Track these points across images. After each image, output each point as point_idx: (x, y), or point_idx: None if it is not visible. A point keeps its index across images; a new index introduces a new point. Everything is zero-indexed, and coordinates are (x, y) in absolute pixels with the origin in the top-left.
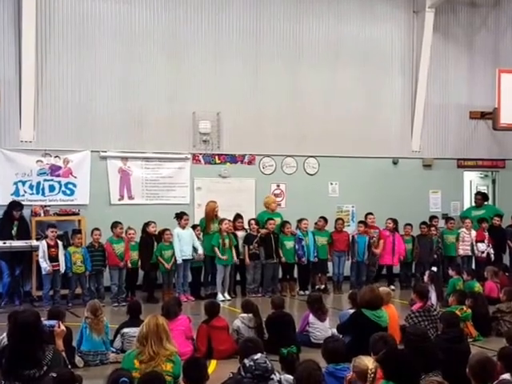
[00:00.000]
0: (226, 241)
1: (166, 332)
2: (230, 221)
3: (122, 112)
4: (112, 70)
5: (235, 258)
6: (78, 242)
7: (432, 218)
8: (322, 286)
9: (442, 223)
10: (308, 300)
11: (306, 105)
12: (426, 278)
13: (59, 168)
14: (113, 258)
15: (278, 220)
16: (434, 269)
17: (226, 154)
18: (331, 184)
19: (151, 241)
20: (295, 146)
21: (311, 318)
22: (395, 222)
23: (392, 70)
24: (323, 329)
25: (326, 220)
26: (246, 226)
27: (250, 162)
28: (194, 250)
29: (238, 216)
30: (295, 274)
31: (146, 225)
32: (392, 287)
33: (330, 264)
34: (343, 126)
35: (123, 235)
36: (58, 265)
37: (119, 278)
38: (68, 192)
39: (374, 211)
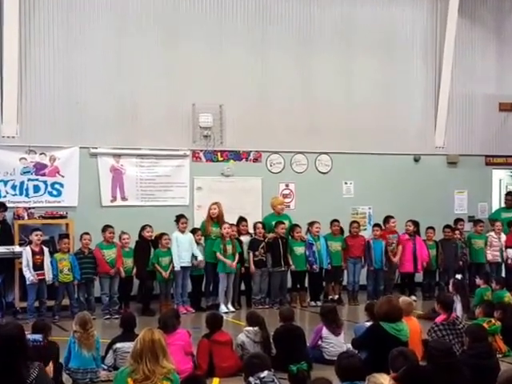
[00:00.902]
0: (229, 247)
1: (162, 348)
2: (232, 225)
3: (114, 104)
4: (104, 57)
5: (235, 262)
6: (65, 248)
7: (457, 220)
8: (336, 297)
9: (467, 226)
10: (321, 311)
11: (317, 96)
12: (450, 287)
13: (45, 166)
14: (103, 265)
15: (286, 223)
16: (459, 276)
17: (229, 151)
18: (345, 183)
19: (147, 246)
20: (306, 142)
21: (325, 331)
22: (416, 224)
23: (413, 57)
24: (337, 344)
25: (340, 227)
26: (251, 231)
27: (255, 160)
28: (194, 256)
29: (242, 219)
30: (306, 283)
31: (142, 229)
32: (413, 297)
33: (344, 272)
34: (359, 119)
35: (115, 240)
36: (44, 273)
37: (111, 287)
38: (54, 193)
39: (392, 213)
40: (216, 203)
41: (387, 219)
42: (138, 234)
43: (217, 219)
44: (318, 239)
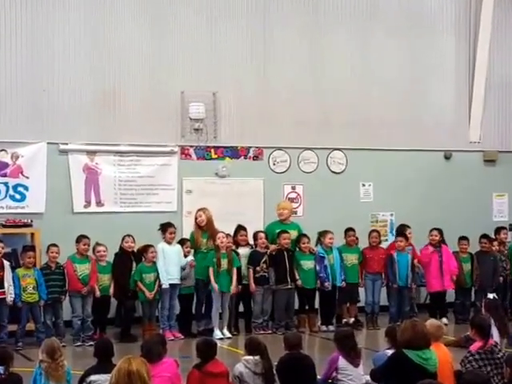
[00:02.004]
0: (224, 261)
1: (143, 381)
2: (228, 235)
3: (88, 92)
4: (76, 38)
5: (234, 284)
6: (29, 262)
7: (498, 229)
8: (352, 320)
9: (509, 236)
10: (335, 337)
11: (329, 82)
12: (482, 309)
13: (6, 165)
14: (74, 282)
15: (293, 233)
16: (491, 296)
17: (224, 147)
18: (363, 185)
19: (128, 260)
20: (316, 136)
21: (342, 361)
22: (441, 232)
23: (443, 36)
24: (356, 376)
25: (357, 237)
26: (251, 241)
27: (256, 157)
28: (182, 269)
29: (241, 228)
30: (316, 304)
31: (122, 240)
32: (445, 320)
33: (361, 290)
34: (379, 109)
35: (89, 253)
36: (4, 292)
37: (84, 308)
38: (17, 197)
39: (419, 221)
40: (202, 209)
41: (402, 228)
42: (117, 246)
43: (206, 228)
44: (330, 251)
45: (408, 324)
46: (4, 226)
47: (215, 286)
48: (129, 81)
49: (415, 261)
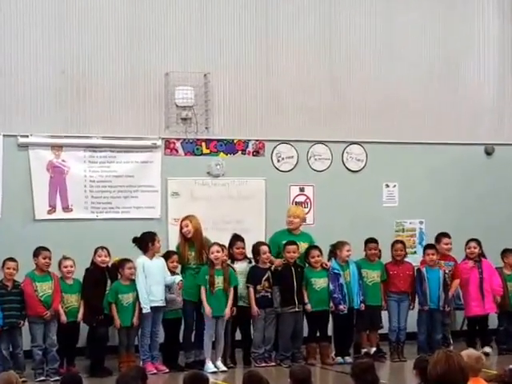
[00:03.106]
0: (219, 278)
1: None
2: (223, 246)
3: (53, 75)
4: (39, 9)
5: (229, 307)
6: None
7: None
8: (373, 350)
9: None
10: (353, 371)
11: (345, 62)
12: None
13: None
14: (34, 304)
15: (303, 245)
16: None
17: (218, 140)
18: (387, 186)
19: (101, 278)
20: (329, 127)
21: None
22: (479, 244)
23: (483, 6)
24: None
25: (379, 249)
26: (251, 255)
27: (256, 152)
28: (167, 287)
29: (237, 238)
30: (329, 331)
31: (94, 253)
32: (488, 349)
33: (384, 314)
34: (405, 94)
35: (51, 269)
36: None
37: (46, 336)
38: None
39: (454, 230)
40: (188, 217)
41: (439, 238)
42: (87, 261)
43: (194, 240)
44: (346, 267)
45: (441, 355)
46: None
47: (208, 309)
48: (102, 59)
49: (456, 281)
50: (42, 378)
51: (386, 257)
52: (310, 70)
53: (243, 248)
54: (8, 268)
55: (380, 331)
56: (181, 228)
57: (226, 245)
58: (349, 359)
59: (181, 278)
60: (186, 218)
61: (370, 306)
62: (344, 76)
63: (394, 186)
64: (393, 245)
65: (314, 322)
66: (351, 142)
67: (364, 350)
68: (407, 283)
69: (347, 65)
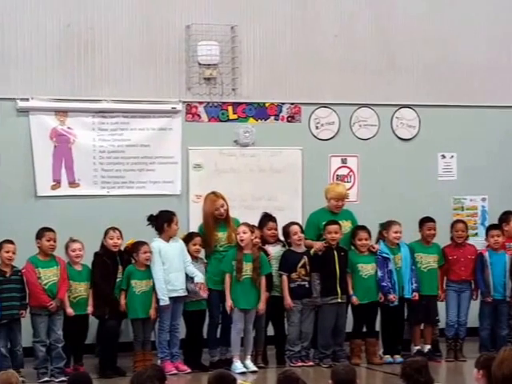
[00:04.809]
0: (248, 265)
1: None
2: (254, 227)
3: (56, 30)
4: None
5: (263, 299)
6: None
7: None
8: (427, 347)
9: None
10: (404, 371)
11: (395, 12)
12: None
13: None
14: (37, 293)
15: (345, 225)
16: None
17: (247, 103)
18: (443, 157)
19: (113, 263)
20: (376, 88)
21: None
22: None
23: None
24: None
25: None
26: (284, 237)
27: (291, 118)
28: (189, 277)
29: (268, 218)
30: (377, 325)
31: (104, 235)
32: None
33: (441, 305)
34: (466, 50)
35: (56, 253)
36: None
37: (51, 331)
38: None
39: None
40: (214, 193)
41: (505, 217)
42: (97, 243)
43: (225, 220)
44: (397, 250)
45: (507, 353)
46: None
47: (229, 302)
48: (113, 10)
49: None
50: (46, 378)
51: (442, 240)
52: (354, 23)
53: (275, 229)
54: (7, 251)
55: (437, 326)
56: (210, 205)
57: (257, 226)
58: (399, 358)
59: (202, 280)
60: (216, 195)
61: (425, 296)
62: (393, 28)
63: (452, 156)
64: (453, 225)
65: (359, 315)
66: (402, 106)
67: (417, 348)
68: (469, 270)
69: (397, 17)
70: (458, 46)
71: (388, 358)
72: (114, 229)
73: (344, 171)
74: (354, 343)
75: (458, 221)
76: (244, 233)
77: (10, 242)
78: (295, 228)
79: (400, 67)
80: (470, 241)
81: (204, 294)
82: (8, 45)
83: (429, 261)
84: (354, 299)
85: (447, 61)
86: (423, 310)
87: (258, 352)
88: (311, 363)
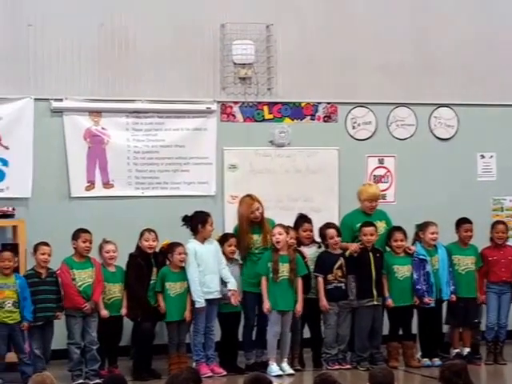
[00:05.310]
0: (284, 266)
1: None
2: (289, 228)
3: (90, 29)
4: None
5: (300, 301)
6: (6, 267)
7: None
8: (467, 350)
9: None
10: (442, 375)
11: (433, 10)
12: None
13: None
14: (72, 294)
15: (380, 226)
16: None
17: (282, 103)
18: (482, 157)
19: (147, 265)
20: (413, 86)
21: None
22: None
23: None
24: None
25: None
26: (319, 239)
27: (328, 117)
28: (223, 282)
29: (303, 219)
30: (414, 328)
31: (139, 236)
32: None
33: (482, 308)
34: (504, 46)
35: (91, 254)
36: None
37: (85, 332)
38: None
39: None
40: (250, 196)
41: None
42: (131, 245)
43: (260, 222)
44: (433, 252)
45: None
46: None
47: (267, 304)
48: (146, 9)
49: None
50: (81, 380)
51: (479, 241)
52: (392, 21)
53: (311, 231)
54: (42, 253)
55: (477, 329)
56: (245, 208)
57: (292, 227)
58: (437, 361)
59: (235, 287)
60: (251, 198)
61: (463, 298)
62: (430, 26)
63: (491, 156)
64: (493, 226)
65: (395, 318)
66: (440, 105)
67: (456, 351)
68: (509, 271)
69: (435, 16)
70: (496, 45)
71: (426, 361)
72: (149, 230)
73: (381, 171)
74: (390, 346)
75: (498, 221)
76: (279, 234)
77: (46, 244)
78: (332, 232)
79: (438, 66)
80: (510, 242)
81: (235, 303)
82: (42, 45)
83: (466, 263)
84: (389, 302)
85: (486, 59)
86: (462, 312)
87: (295, 355)
88: (348, 366)
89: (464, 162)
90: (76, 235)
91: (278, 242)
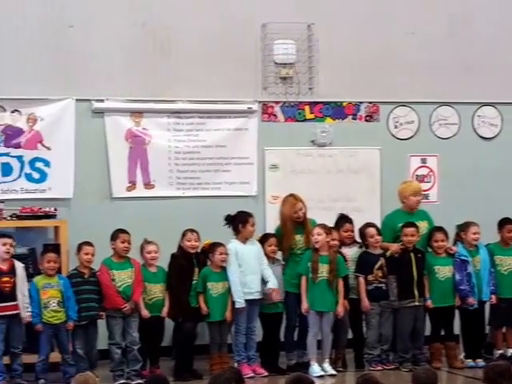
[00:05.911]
0: (324, 266)
1: None
2: (331, 229)
3: (131, 30)
4: None
5: (341, 302)
6: (51, 268)
7: None
8: (510, 351)
9: None
10: (486, 376)
11: (476, 6)
12: None
13: (20, 132)
14: (112, 295)
15: (422, 225)
16: None
17: (324, 103)
18: None
19: (189, 266)
20: (456, 86)
21: None
22: None
23: None
24: None
25: None
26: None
27: (370, 117)
28: (264, 281)
29: (344, 219)
30: (456, 329)
31: (181, 236)
32: None
33: None
34: None
35: (130, 254)
36: (17, 306)
37: (126, 333)
38: (35, 176)
39: None
40: (293, 196)
41: None
42: (173, 245)
43: (302, 222)
44: (475, 252)
45: None
46: (18, 217)
47: (305, 304)
48: (188, 9)
49: None
50: (122, 380)
51: None
52: (433, 18)
53: (352, 231)
54: (86, 253)
55: None
56: (288, 207)
57: (334, 227)
58: (481, 362)
59: (275, 286)
60: (295, 197)
61: (506, 299)
62: (473, 23)
63: None
64: None
65: (437, 319)
66: (483, 104)
67: (499, 352)
68: None
69: (478, 12)
70: None
71: (470, 361)
72: (192, 231)
73: (424, 171)
74: (433, 347)
75: None
76: (318, 234)
77: (90, 244)
78: (371, 230)
79: (481, 65)
80: None
81: (275, 299)
82: (83, 46)
83: (509, 263)
84: (429, 303)
85: None
86: (504, 313)
87: (338, 355)
88: (391, 367)
89: (508, 162)
90: (114, 236)
91: (316, 242)
